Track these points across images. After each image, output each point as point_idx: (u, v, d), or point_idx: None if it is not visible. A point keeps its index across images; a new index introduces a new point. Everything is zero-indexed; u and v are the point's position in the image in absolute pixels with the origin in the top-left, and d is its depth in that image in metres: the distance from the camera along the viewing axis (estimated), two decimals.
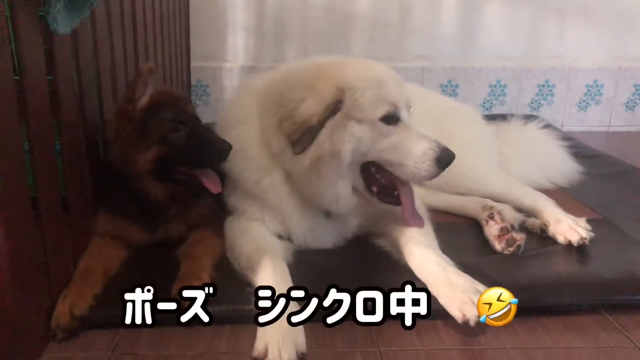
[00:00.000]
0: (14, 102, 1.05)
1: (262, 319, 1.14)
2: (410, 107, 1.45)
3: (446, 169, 1.39)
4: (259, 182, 1.46)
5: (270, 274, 1.27)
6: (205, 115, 3.21)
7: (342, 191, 1.43)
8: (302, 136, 1.34)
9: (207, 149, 1.41)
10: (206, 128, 1.48)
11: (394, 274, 1.41)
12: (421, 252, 1.39)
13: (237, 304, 1.25)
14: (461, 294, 1.23)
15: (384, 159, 1.40)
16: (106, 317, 1.24)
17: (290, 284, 1.27)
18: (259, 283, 1.27)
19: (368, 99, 1.36)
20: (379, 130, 1.37)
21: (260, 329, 1.14)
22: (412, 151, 1.37)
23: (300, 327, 1.15)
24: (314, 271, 1.42)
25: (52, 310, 1.19)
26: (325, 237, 1.54)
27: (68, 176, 1.31)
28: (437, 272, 1.31)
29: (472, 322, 1.20)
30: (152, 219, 1.46)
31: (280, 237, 1.52)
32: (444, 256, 1.37)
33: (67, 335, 1.19)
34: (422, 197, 1.54)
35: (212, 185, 1.44)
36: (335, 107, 1.34)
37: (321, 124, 1.33)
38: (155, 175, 1.40)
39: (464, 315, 1.20)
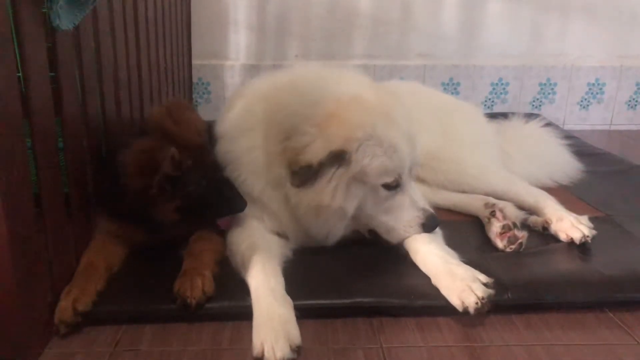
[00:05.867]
0: (17, 99, 1.05)
1: (254, 317, 1.17)
2: (414, 172, 1.51)
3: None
4: (264, 191, 1.47)
5: (260, 271, 1.28)
6: (206, 112, 3.22)
7: (337, 232, 1.46)
8: (301, 170, 1.35)
9: (226, 205, 1.40)
10: (227, 181, 1.43)
11: (396, 269, 1.42)
12: (425, 246, 1.41)
13: (239, 300, 1.26)
14: (460, 282, 1.26)
15: (378, 220, 1.45)
16: (108, 313, 1.24)
17: (280, 281, 1.27)
18: (249, 280, 1.28)
19: (375, 168, 1.36)
20: (379, 193, 1.42)
21: (254, 328, 1.14)
22: (402, 217, 1.44)
23: (293, 321, 1.16)
24: (313, 268, 1.42)
25: (55, 306, 1.20)
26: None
27: (71, 173, 1.31)
28: (439, 264, 1.35)
29: (471, 310, 1.22)
30: (155, 225, 1.42)
31: (279, 234, 1.52)
32: (448, 249, 1.40)
33: (70, 331, 1.19)
34: (425, 195, 1.54)
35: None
36: (339, 157, 1.33)
37: (321, 166, 1.33)
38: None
39: (463, 302, 1.23)
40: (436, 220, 1.46)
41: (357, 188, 1.38)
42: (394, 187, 1.42)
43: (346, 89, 1.44)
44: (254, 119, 1.49)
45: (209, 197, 1.36)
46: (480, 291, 1.24)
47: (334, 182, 1.35)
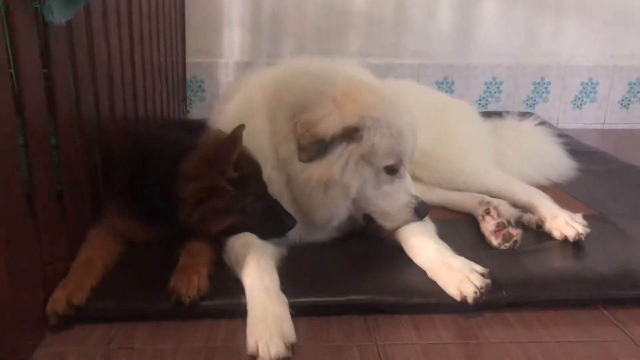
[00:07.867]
0: (9, 96, 1.04)
1: (249, 315, 1.16)
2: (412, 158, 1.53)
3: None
4: (269, 177, 1.46)
5: (254, 268, 1.27)
6: (201, 111, 3.21)
7: (341, 212, 1.46)
8: (311, 145, 1.36)
9: (277, 223, 1.42)
10: (275, 200, 1.44)
11: (391, 266, 1.42)
12: (419, 240, 1.43)
13: (234, 298, 1.25)
14: (458, 273, 1.29)
15: (375, 205, 1.46)
16: (102, 311, 1.23)
17: (275, 279, 1.27)
18: (244, 278, 1.27)
19: (383, 148, 1.41)
20: (380, 176, 1.44)
21: (249, 326, 1.14)
22: (397, 201, 1.47)
23: (288, 318, 1.15)
24: (307, 266, 1.42)
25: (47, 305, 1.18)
26: (321, 231, 1.53)
27: (64, 171, 1.30)
28: (434, 257, 1.36)
29: (469, 299, 1.24)
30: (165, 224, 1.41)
31: None
32: (442, 242, 1.42)
33: (60, 323, 1.17)
34: (420, 193, 1.55)
35: None
36: (352, 134, 1.37)
37: (333, 140, 1.35)
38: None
39: (461, 292, 1.26)
40: (427, 206, 1.50)
41: (362, 167, 1.41)
42: (394, 171, 1.45)
43: (353, 73, 1.49)
44: (256, 107, 1.50)
45: (263, 214, 1.40)
46: (478, 281, 1.26)
47: (344, 158, 1.37)
